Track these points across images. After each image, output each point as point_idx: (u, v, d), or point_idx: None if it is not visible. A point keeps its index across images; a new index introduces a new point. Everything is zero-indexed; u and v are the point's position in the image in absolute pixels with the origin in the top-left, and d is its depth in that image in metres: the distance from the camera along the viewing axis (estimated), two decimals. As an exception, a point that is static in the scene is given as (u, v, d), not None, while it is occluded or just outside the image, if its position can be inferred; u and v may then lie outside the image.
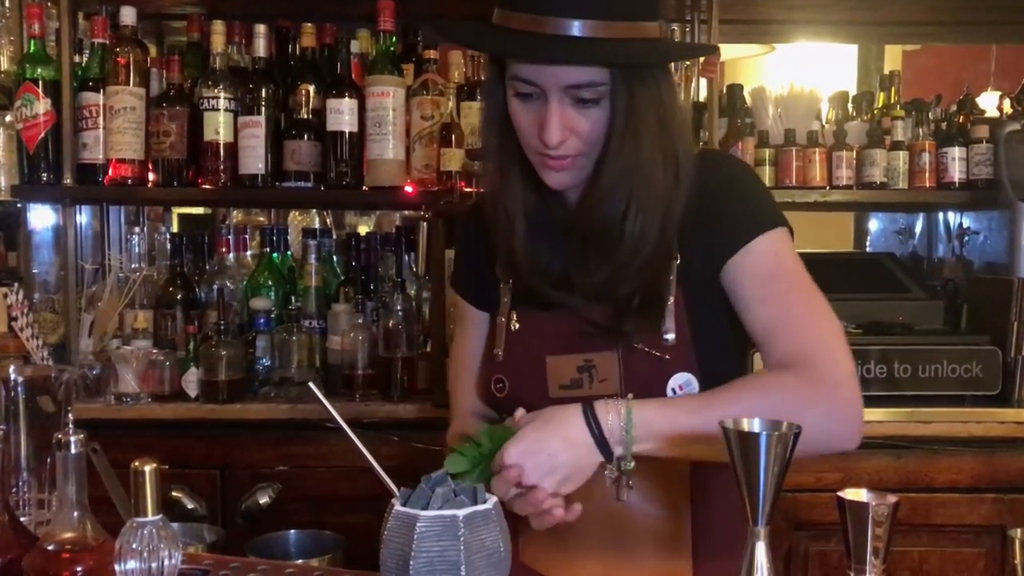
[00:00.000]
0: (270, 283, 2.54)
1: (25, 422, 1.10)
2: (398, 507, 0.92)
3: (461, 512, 0.91)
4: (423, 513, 0.90)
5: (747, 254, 1.23)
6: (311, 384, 0.99)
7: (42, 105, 2.34)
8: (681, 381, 1.24)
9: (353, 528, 2.16)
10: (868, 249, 3.12)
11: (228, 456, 2.29)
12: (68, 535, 0.97)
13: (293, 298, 2.50)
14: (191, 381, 2.33)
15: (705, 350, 1.25)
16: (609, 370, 1.26)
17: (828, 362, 1.17)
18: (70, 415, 0.97)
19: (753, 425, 0.85)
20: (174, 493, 2.24)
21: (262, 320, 2.44)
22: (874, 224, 3.14)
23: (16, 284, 2.36)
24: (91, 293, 2.52)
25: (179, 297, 2.49)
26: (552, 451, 1.12)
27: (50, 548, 0.96)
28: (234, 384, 2.31)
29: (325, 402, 0.99)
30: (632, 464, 1.14)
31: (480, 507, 0.92)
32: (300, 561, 1.11)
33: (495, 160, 1.30)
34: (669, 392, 1.24)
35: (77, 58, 2.46)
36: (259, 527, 2.26)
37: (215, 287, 2.48)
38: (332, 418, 1.02)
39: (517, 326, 1.33)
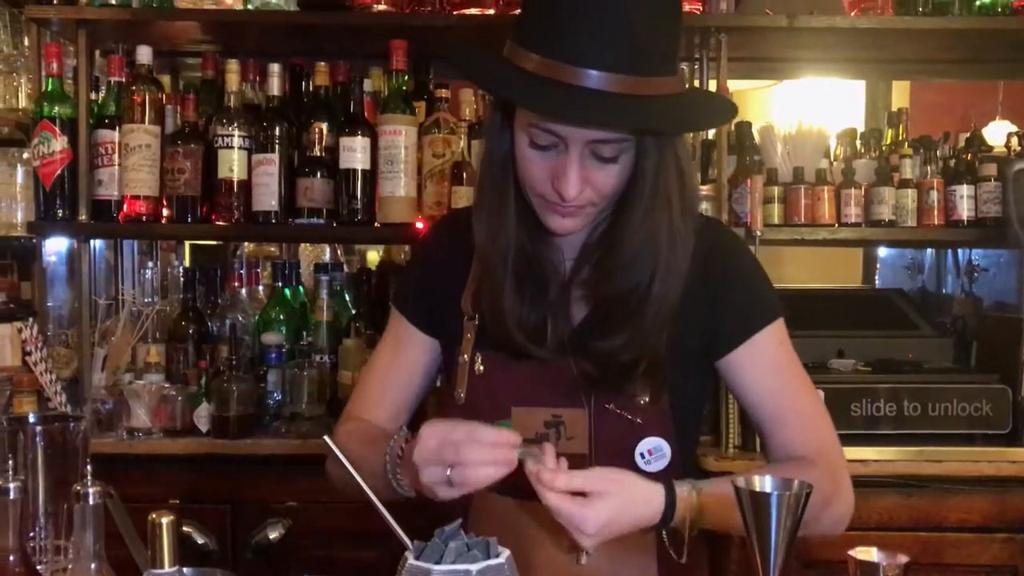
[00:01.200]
0: (282, 317, 2.56)
1: (43, 469, 1.11)
2: (411, 560, 0.93)
3: (475, 567, 0.91)
4: (436, 568, 0.91)
5: (753, 345, 1.27)
6: (326, 438, 1.01)
7: (59, 143, 2.37)
8: (651, 446, 1.25)
9: (364, 564, 2.16)
10: (877, 284, 3.13)
11: (238, 491, 2.29)
12: (85, 584, 0.98)
13: (304, 332, 2.51)
14: (202, 416, 2.34)
15: (682, 416, 1.27)
16: (578, 428, 1.25)
17: (838, 457, 1.28)
18: (88, 466, 0.98)
19: (765, 484, 0.85)
20: (184, 528, 2.24)
21: (273, 355, 2.46)
22: (883, 259, 3.15)
23: (31, 319, 2.38)
24: (104, 327, 2.54)
25: (191, 331, 2.51)
26: (622, 526, 1.10)
27: (67, 599, 0.97)
28: (245, 419, 2.32)
29: (340, 455, 1.00)
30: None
31: (493, 561, 0.93)
32: (312, 609, 1.12)
33: (494, 198, 1.25)
34: (638, 456, 1.24)
35: (94, 96, 2.50)
36: (270, 563, 2.28)
37: (227, 322, 2.51)
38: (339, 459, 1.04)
39: (482, 369, 1.29)
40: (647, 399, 1.24)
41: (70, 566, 1.00)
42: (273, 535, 2.26)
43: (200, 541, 2.26)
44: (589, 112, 1.10)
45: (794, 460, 1.24)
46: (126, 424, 2.33)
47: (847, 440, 2.20)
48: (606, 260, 1.24)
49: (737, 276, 1.30)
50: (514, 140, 1.21)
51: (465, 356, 1.30)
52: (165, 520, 0.95)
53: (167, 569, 0.94)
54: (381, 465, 1.20)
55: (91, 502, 0.97)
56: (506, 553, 0.95)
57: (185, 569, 1.24)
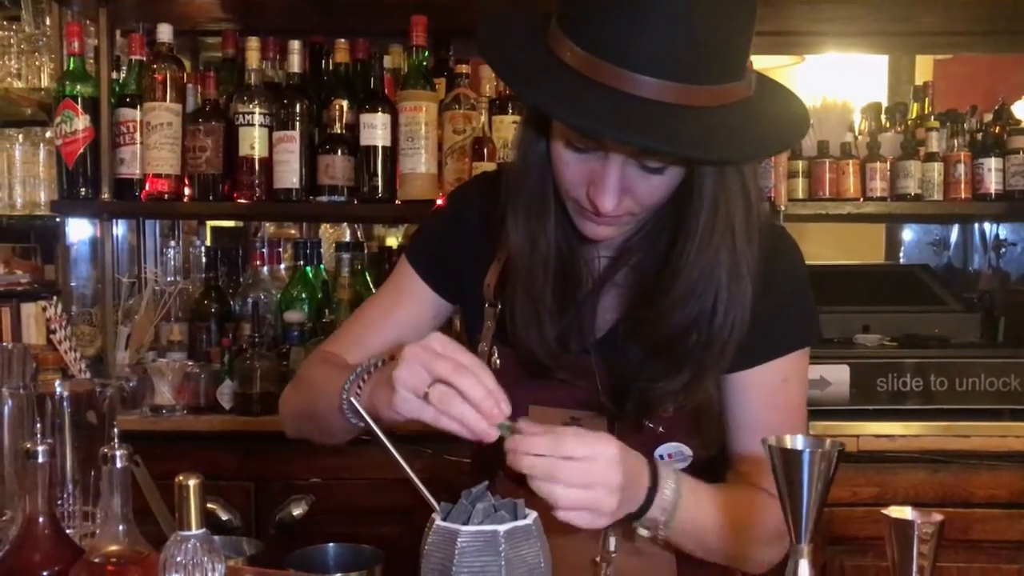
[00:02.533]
0: (303, 296, 2.57)
1: (70, 435, 1.12)
2: (439, 522, 0.93)
3: (502, 528, 0.91)
4: (464, 528, 0.91)
5: (755, 373, 1.17)
6: (352, 399, 1.00)
7: (81, 121, 2.38)
8: (671, 450, 1.18)
9: (387, 540, 2.15)
10: (901, 260, 3.10)
11: (262, 468, 2.30)
12: (113, 548, 0.98)
13: (326, 311, 2.51)
14: (225, 393, 2.35)
15: (707, 422, 1.18)
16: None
17: None
18: (115, 429, 0.97)
19: (796, 442, 0.84)
20: (209, 505, 2.25)
21: (296, 333, 2.46)
22: (907, 235, 3.12)
23: (55, 297, 2.40)
24: (127, 306, 2.55)
25: (213, 310, 2.52)
26: (604, 495, 0.98)
27: (96, 561, 0.97)
28: (268, 396, 2.33)
29: (367, 416, 1.00)
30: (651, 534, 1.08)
31: (521, 522, 0.92)
32: (339, 575, 1.11)
33: (533, 200, 1.13)
34: (657, 458, 1.16)
35: (115, 75, 2.50)
36: (293, 539, 2.28)
37: (249, 300, 2.51)
38: (366, 431, 1.03)
39: (498, 364, 1.20)
40: (671, 411, 1.15)
41: (98, 530, 1.00)
42: (296, 511, 2.26)
43: (224, 518, 2.26)
44: (632, 131, 0.94)
45: (748, 487, 1.17)
46: (150, 401, 2.34)
47: (873, 415, 2.22)
48: (658, 295, 1.10)
49: (776, 296, 1.15)
50: (550, 133, 1.08)
51: (484, 346, 1.22)
52: (192, 482, 0.94)
53: (195, 531, 0.94)
54: (339, 385, 1.10)
55: (118, 465, 0.97)
56: (533, 515, 0.94)
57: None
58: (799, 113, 1.07)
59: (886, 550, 0.83)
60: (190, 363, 2.40)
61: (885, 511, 0.82)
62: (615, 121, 0.93)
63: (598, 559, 1.14)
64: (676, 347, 1.11)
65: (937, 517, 0.81)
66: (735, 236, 1.07)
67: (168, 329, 2.48)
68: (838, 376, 2.15)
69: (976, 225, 2.71)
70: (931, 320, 2.40)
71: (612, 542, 1.14)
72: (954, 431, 2.16)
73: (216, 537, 1.25)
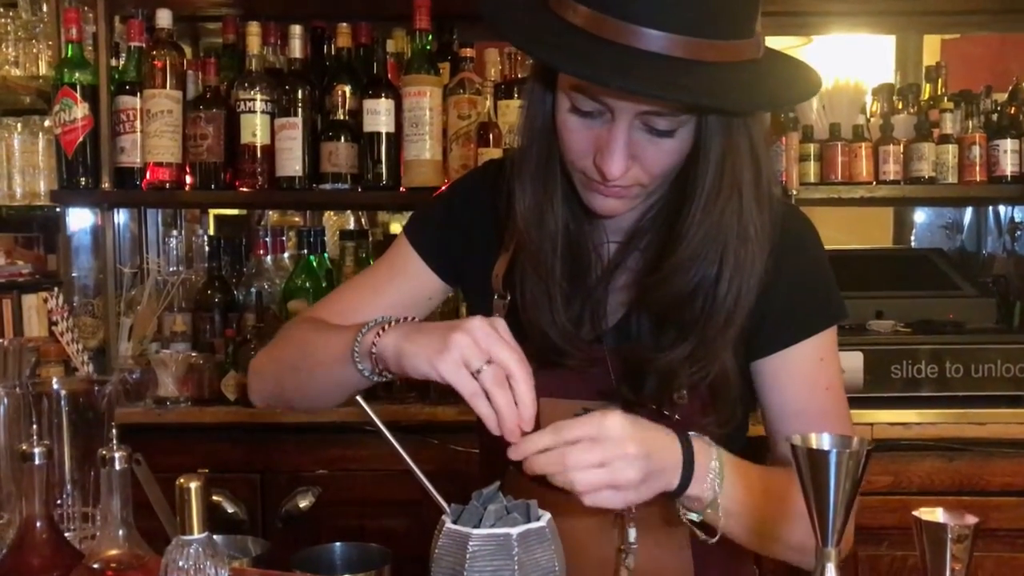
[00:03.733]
0: (308, 285, 2.53)
1: (68, 435, 1.09)
2: (449, 525, 0.90)
3: (515, 531, 0.87)
4: (475, 532, 0.87)
5: (787, 356, 1.13)
6: (359, 398, 0.97)
7: (80, 110, 2.34)
8: None
9: (395, 533, 2.14)
10: (913, 244, 3.05)
11: (268, 460, 2.28)
12: (113, 552, 0.95)
13: (331, 300, 2.47)
14: (230, 385, 2.32)
15: (726, 411, 1.13)
16: None
17: None
18: (114, 430, 0.94)
19: (823, 442, 0.81)
20: (214, 497, 2.24)
21: (300, 323, 2.43)
22: (919, 218, 3.07)
23: (56, 289, 2.37)
24: (130, 297, 2.52)
25: (217, 300, 2.49)
26: (622, 445, 0.95)
27: (95, 566, 0.94)
28: (273, 387, 2.30)
29: (375, 417, 0.97)
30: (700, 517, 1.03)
31: (534, 525, 0.89)
32: (346, 576, 1.09)
33: (539, 173, 1.10)
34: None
35: (114, 62, 2.46)
36: (300, 531, 2.26)
37: (253, 290, 2.48)
38: (371, 420, 0.99)
39: None
40: (686, 398, 1.11)
41: (97, 533, 0.97)
42: (303, 504, 2.25)
43: (230, 510, 2.25)
44: (639, 80, 0.91)
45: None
46: (153, 393, 2.32)
47: (887, 403, 2.19)
48: (662, 259, 1.07)
49: (793, 274, 1.11)
50: (555, 101, 1.05)
51: None
52: (194, 484, 0.91)
53: (196, 535, 0.91)
54: (346, 337, 1.06)
55: (117, 467, 0.94)
56: (546, 516, 0.91)
57: (215, 536, 1.22)
58: (809, 75, 1.04)
59: (917, 552, 0.79)
60: (194, 354, 2.37)
61: (916, 513, 0.79)
62: (620, 71, 0.91)
63: (621, 546, 1.11)
64: (681, 314, 1.07)
65: (971, 519, 0.78)
66: (742, 198, 1.03)
67: (171, 320, 2.45)
68: (851, 363, 2.11)
69: (990, 208, 2.67)
70: (945, 305, 2.35)
71: (632, 533, 1.11)
72: (970, 418, 2.13)
73: (221, 537, 1.23)
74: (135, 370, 2.37)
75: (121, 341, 2.44)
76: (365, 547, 1.17)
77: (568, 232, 1.12)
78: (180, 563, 0.91)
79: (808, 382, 1.15)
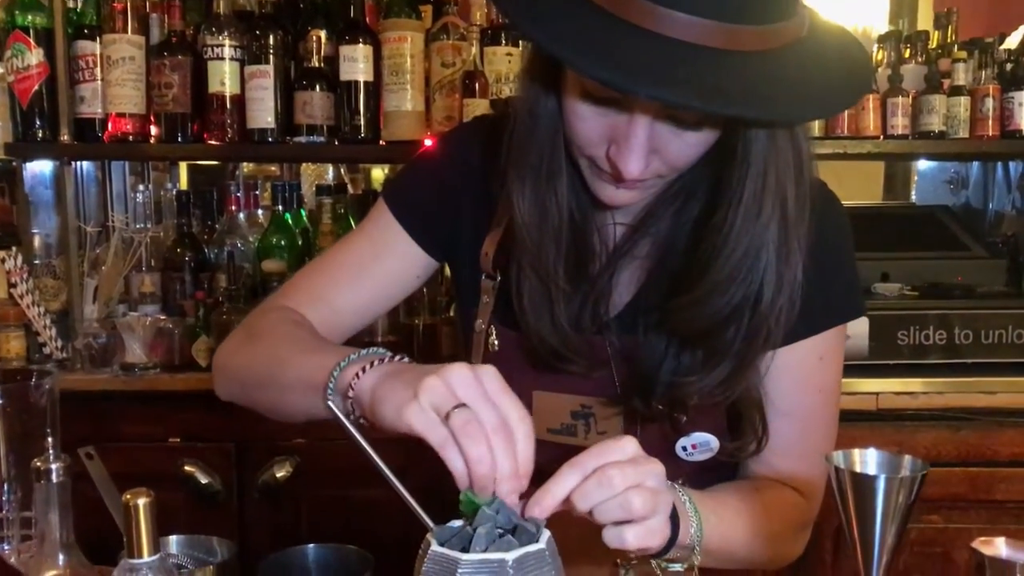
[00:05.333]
0: (283, 243, 2.40)
1: (4, 433, 0.96)
2: (435, 547, 0.78)
3: (510, 556, 0.76)
4: (465, 557, 0.76)
5: (790, 352, 1.02)
6: (330, 403, 0.85)
7: (34, 56, 2.18)
8: (697, 440, 1.04)
9: (374, 502, 2.05)
10: (914, 200, 2.94)
11: (243, 429, 2.17)
12: (51, 574, 0.84)
13: (307, 259, 2.35)
14: (202, 350, 2.20)
15: (744, 413, 1.03)
16: (611, 423, 1.04)
17: (817, 498, 1.08)
18: (49, 439, 0.82)
19: (867, 464, 0.70)
20: (187, 468, 2.15)
21: (275, 284, 2.30)
22: (920, 171, 2.94)
23: (14, 248, 2.22)
24: (94, 256, 2.38)
25: (187, 259, 2.36)
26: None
27: (33, 591, 0.83)
28: (247, 353, 2.18)
29: (345, 420, 0.85)
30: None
31: (532, 548, 0.78)
32: (321, 591, 0.98)
33: (541, 161, 0.96)
34: (679, 449, 1.04)
35: (71, 3, 2.29)
36: (278, 502, 2.17)
37: (225, 248, 2.35)
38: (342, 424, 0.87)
39: (496, 346, 1.07)
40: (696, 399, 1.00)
41: (33, 553, 0.86)
42: (280, 474, 2.16)
43: (204, 481, 2.16)
44: (674, 89, 0.77)
45: (767, 481, 1.06)
46: (121, 359, 2.19)
47: (893, 371, 2.09)
48: (694, 280, 0.94)
49: (821, 270, 0.99)
50: (562, 81, 0.91)
51: (480, 323, 1.08)
52: (142, 501, 0.79)
53: (146, 558, 0.79)
54: (320, 371, 0.90)
55: (54, 480, 0.82)
56: (546, 535, 0.80)
57: (174, 537, 1.11)
58: (860, 59, 0.90)
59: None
60: (163, 317, 2.25)
61: (976, 545, 0.68)
62: (649, 73, 0.76)
63: (618, 559, 1.01)
64: (713, 339, 0.95)
65: (1040, 554, 0.67)
66: (786, 207, 0.90)
67: (139, 280, 2.31)
68: (857, 329, 2.00)
69: (999, 163, 2.55)
70: (953, 267, 2.25)
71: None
72: (979, 387, 2.03)
73: (181, 538, 1.11)
74: (101, 334, 2.24)
75: (85, 303, 2.30)
76: (343, 550, 1.06)
77: (573, 223, 0.99)
78: (128, 588, 0.80)
79: (800, 380, 1.05)
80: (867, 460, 0.70)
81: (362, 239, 1.15)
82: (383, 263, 1.12)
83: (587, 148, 0.92)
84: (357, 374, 0.86)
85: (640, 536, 0.80)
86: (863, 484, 0.67)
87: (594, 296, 1.01)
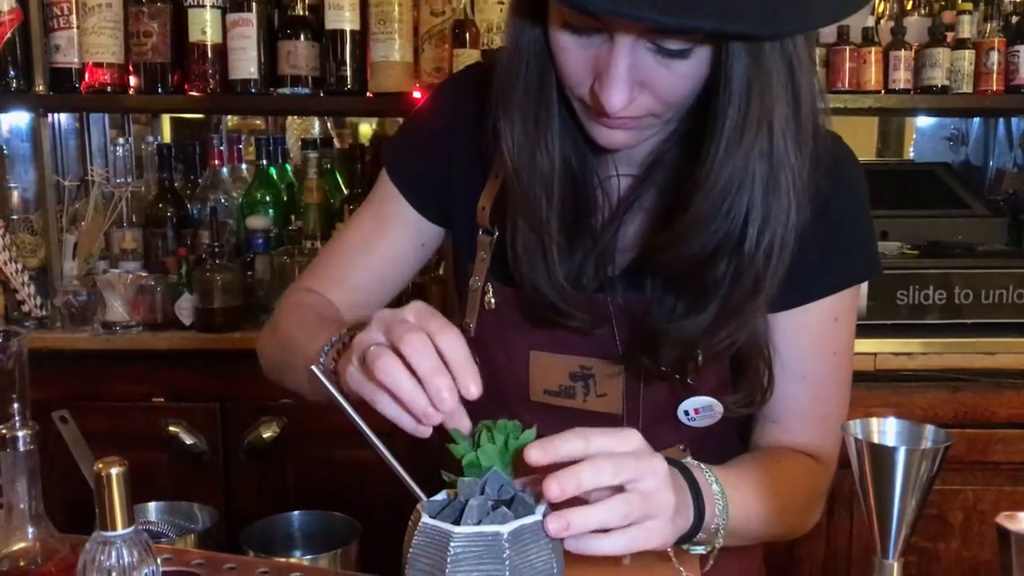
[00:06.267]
0: (267, 199, 2.34)
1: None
2: (426, 519, 0.74)
3: (505, 529, 0.72)
4: (458, 530, 0.72)
5: (803, 313, 0.98)
6: (314, 368, 0.80)
7: (6, 2, 2.10)
8: (699, 404, 1.00)
9: (361, 462, 2.02)
10: (911, 157, 2.88)
11: (228, 388, 2.12)
12: (20, 546, 0.79)
13: (293, 216, 2.29)
14: (184, 308, 2.15)
15: (752, 383, 0.99)
16: (611, 384, 1.00)
17: (832, 465, 1.05)
18: (16, 404, 0.77)
19: (886, 435, 0.65)
20: (171, 428, 2.10)
21: (260, 241, 2.25)
22: (919, 127, 2.88)
23: (-11, 203, 2.16)
24: (73, 211, 2.32)
25: (169, 214, 2.30)
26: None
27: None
28: (231, 311, 2.13)
29: (330, 387, 0.80)
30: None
31: (528, 520, 0.74)
32: (307, 558, 0.93)
33: (529, 102, 0.91)
34: (681, 413, 1.00)
35: (44, -55, 2.20)
36: (264, 462, 2.13)
37: (208, 204, 2.29)
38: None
39: (492, 304, 1.02)
40: (702, 364, 0.95)
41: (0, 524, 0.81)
42: (267, 434, 2.12)
43: (189, 442, 2.11)
44: (633, 2, 0.71)
45: (785, 451, 1.03)
46: (101, 317, 2.14)
47: (892, 331, 2.05)
48: (677, 215, 0.88)
49: (835, 227, 0.95)
50: (548, 15, 0.87)
51: (476, 280, 1.03)
52: (115, 471, 0.75)
53: (120, 531, 0.75)
54: (316, 347, 0.90)
55: (21, 448, 0.78)
56: (542, 507, 0.76)
57: (153, 504, 1.07)
58: None
59: (999, 564, 0.65)
60: (144, 274, 2.19)
61: (1000, 520, 0.64)
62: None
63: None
64: (700, 278, 0.90)
65: (1068, 529, 0.63)
66: (773, 136, 0.83)
67: (119, 236, 2.25)
68: (855, 288, 1.96)
69: (1000, 120, 2.49)
70: (954, 225, 2.20)
71: None
72: (979, 348, 2.00)
73: (161, 504, 1.07)
74: (81, 292, 2.18)
75: (65, 260, 2.24)
76: (328, 517, 1.02)
77: (568, 169, 0.94)
78: (101, 561, 0.76)
79: (815, 342, 1.00)
80: (886, 430, 0.66)
81: (367, 211, 1.13)
82: (388, 235, 1.10)
83: (575, 86, 0.87)
84: (334, 357, 0.85)
85: (636, 540, 0.75)
86: (882, 456, 0.63)
87: (597, 252, 0.96)
